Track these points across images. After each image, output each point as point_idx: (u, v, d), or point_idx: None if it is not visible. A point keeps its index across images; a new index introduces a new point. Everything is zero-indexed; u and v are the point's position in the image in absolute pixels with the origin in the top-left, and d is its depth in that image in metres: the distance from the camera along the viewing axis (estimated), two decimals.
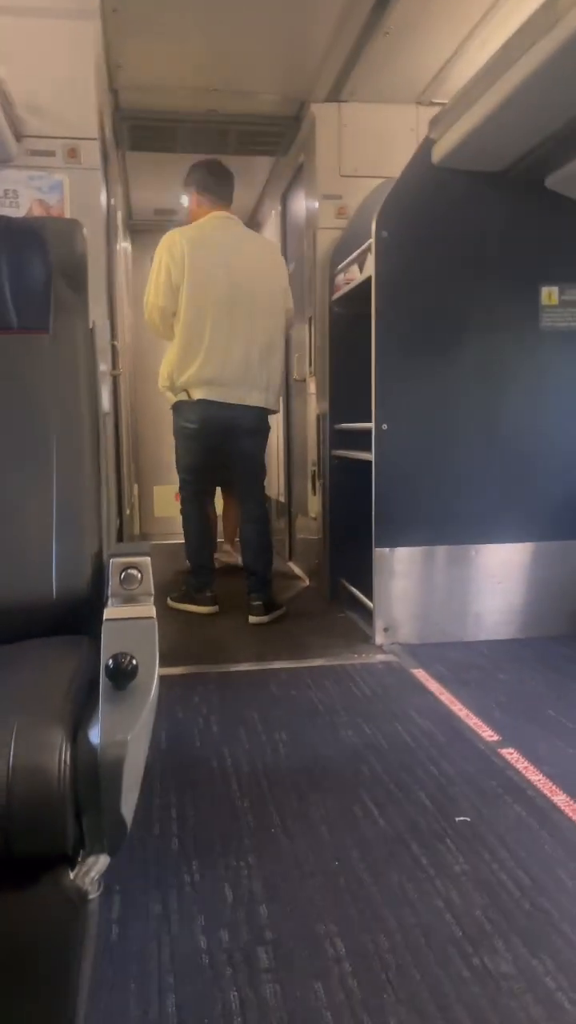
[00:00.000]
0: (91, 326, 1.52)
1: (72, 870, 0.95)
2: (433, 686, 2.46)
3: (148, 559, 1.18)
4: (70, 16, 2.64)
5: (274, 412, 3.34)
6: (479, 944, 1.27)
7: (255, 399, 3.20)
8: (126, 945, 1.28)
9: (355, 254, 3.16)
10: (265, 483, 3.51)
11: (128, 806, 0.94)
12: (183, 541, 3.45)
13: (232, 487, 3.50)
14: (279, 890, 1.43)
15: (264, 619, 3.24)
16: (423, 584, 2.90)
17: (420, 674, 2.57)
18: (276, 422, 4.78)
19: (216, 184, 3.25)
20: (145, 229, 5.54)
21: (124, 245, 5.09)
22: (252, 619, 3.25)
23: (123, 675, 0.95)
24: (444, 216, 2.82)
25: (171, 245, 3.10)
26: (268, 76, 3.38)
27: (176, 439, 3.34)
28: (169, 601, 3.43)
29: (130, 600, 1.14)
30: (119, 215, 4.41)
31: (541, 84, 2.12)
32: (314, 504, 3.79)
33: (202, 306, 3.09)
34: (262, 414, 3.27)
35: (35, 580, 1.34)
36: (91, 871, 0.97)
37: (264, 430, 3.34)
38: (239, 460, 3.29)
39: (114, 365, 3.40)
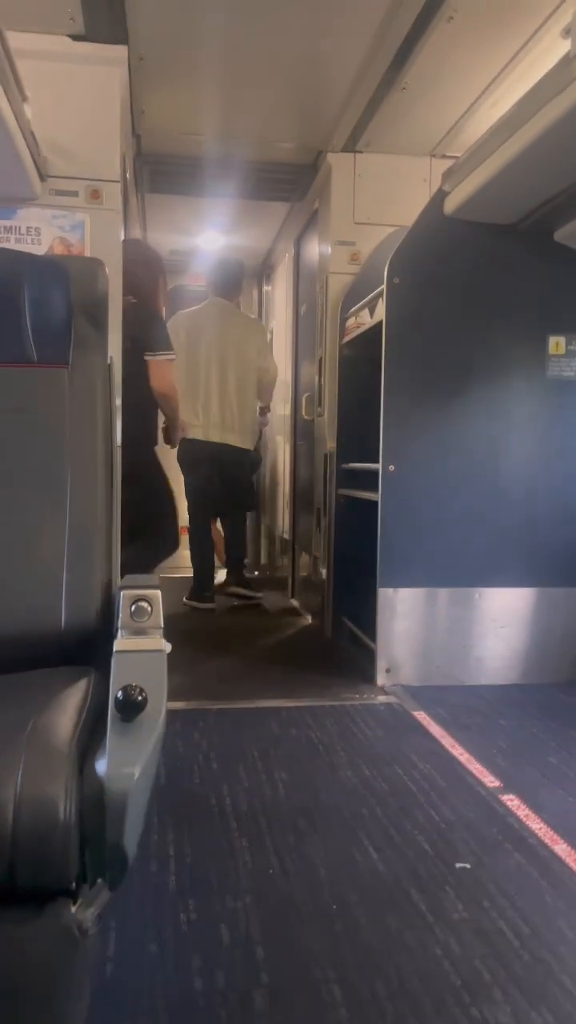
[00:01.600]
0: (109, 362, 1.55)
1: (74, 903, 0.94)
2: (434, 729, 2.45)
3: (158, 592, 1.19)
4: (98, 63, 2.73)
5: (249, 449, 4.28)
6: (477, 994, 1.26)
7: (232, 440, 4.15)
8: (121, 983, 1.27)
9: (366, 299, 3.22)
10: (253, 504, 4.49)
11: (131, 840, 0.94)
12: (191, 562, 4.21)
13: (223, 514, 4.36)
14: (276, 932, 1.41)
15: (240, 590, 4.27)
16: (425, 626, 2.90)
17: (421, 716, 2.56)
18: (283, 460, 4.86)
19: (216, 279, 4.31)
20: None
21: None
22: (229, 590, 4.27)
23: (132, 707, 0.96)
24: (454, 265, 2.88)
25: (177, 320, 4.11)
26: (286, 125, 3.47)
27: (182, 471, 4.14)
28: (184, 600, 4.18)
29: (140, 632, 1.15)
30: None
31: (553, 141, 2.19)
32: (319, 542, 3.80)
33: (194, 368, 4.08)
34: (239, 450, 4.20)
35: (44, 610, 1.34)
36: (91, 905, 0.96)
37: (244, 461, 4.28)
38: (225, 482, 4.20)
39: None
